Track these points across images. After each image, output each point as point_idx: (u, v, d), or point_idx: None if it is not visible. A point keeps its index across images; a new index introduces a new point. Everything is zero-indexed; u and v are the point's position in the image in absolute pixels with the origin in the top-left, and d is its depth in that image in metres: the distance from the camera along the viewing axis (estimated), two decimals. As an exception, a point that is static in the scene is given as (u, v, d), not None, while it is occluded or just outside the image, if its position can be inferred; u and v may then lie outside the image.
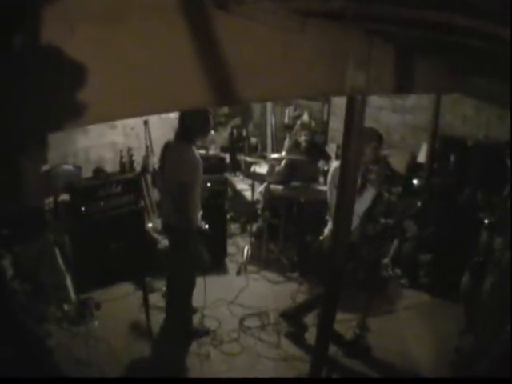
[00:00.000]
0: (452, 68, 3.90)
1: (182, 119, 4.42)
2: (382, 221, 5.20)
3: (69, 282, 5.08)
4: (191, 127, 4.37)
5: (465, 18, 1.90)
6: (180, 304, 4.89)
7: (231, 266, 6.48)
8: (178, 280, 4.84)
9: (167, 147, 4.61)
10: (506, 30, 1.84)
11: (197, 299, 4.99)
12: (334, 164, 4.82)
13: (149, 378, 4.32)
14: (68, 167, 6.14)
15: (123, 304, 5.39)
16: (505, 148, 5.39)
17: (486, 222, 4.86)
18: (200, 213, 4.72)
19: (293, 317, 5.10)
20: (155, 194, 6.97)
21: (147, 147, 7.13)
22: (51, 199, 5.61)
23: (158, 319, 5.03)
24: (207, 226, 4.72)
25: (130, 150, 6.92)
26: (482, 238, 4.84)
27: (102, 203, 5.63)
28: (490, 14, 1.80)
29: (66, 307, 5.00)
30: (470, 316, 4.70)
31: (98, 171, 6.12)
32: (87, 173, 6.23)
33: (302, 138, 6.73)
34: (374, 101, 7.83)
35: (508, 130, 5.29)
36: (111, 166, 6.87)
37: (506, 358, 3.64)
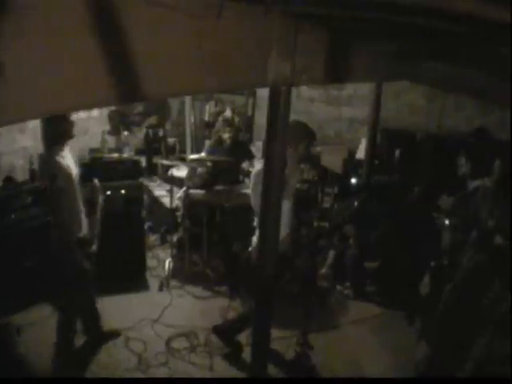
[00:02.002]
0: (398, 52, 3.85)
1: (43, 124, 4.47)
2: (316, 224, 5.21)
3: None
4: (52, 132, 4.44)
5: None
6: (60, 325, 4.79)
7: (152, 282, 6.38)
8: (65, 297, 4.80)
9: None
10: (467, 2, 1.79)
11: (118, 319, 4.97)
12: (257, 166, 4.81)
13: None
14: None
15: (45, 327, 5.13)
16: (464, 140, 5.32)
17: (447, 223, 4.93)
18: (84, 221, 4.76)
19: (225, 332, 5.09)
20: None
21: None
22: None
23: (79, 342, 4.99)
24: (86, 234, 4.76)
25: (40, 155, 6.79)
26: (440, 241, 4.93)
27: (13, 216, 5.51)
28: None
29: None
30: (427, 324, 4.82)
31: (8, 180, 5.96)
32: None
33: (227, 135, 6.71)
34: (305, 92, 7.90)
35: (467, 120, 5.36)
36: (22, 174, 6.71)
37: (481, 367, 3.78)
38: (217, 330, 5.14)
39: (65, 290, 4.74)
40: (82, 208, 4.75)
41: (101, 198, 5.15)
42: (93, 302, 5.04)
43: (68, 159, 4.54)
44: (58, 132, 4.44)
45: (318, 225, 5.28)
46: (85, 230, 4.75)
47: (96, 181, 5.17)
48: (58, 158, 4.40)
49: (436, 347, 4.43)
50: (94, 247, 4.82)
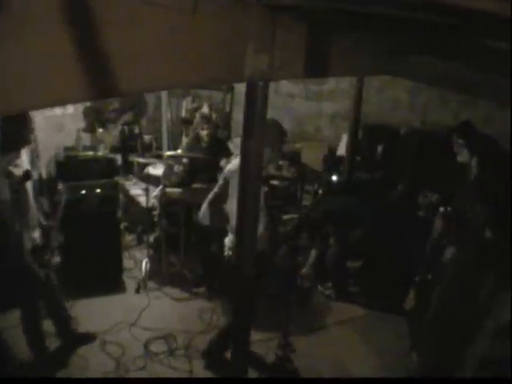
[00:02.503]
0: (381, 46, 3.81)
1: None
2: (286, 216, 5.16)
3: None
4: (9, 138, 4.30)
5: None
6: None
7: (129, 283, 6.33)
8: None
9: None
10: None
11: (94, 322, 4.98)
12: (233, 162, 4.78)
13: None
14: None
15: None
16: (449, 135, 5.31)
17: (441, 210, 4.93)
18: (36, 233, 4.67)
19: (212, 353, 4.97)
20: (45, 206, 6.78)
21: (32, 151, 6.91)
22: None
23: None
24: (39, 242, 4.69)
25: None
26: (425, 239, 4.93)
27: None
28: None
29: None
30: (417, 335, 4.83)
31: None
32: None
33: (205, 132, 6.67)
34: (285, 87, 7.89)
35: (452, 115, 5.34)
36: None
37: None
38: (205, 355, 5.01)
39: (24, 294, 4.69)
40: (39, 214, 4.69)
41: (63, 202, 5.11)
42: (60, 305, 4.99)
43: (24, 167, 4.47)
44: (14, 138, 4.33)
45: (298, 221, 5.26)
46: (38, 238, 4.67)
47: (61, 185, 5.12)
48: (11, 169, 4.30)
49: (428, 356, 4.46)
50: (49, 255, 4.78)
